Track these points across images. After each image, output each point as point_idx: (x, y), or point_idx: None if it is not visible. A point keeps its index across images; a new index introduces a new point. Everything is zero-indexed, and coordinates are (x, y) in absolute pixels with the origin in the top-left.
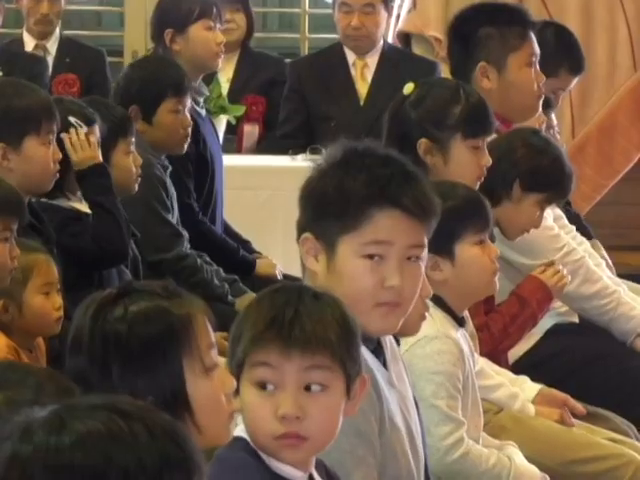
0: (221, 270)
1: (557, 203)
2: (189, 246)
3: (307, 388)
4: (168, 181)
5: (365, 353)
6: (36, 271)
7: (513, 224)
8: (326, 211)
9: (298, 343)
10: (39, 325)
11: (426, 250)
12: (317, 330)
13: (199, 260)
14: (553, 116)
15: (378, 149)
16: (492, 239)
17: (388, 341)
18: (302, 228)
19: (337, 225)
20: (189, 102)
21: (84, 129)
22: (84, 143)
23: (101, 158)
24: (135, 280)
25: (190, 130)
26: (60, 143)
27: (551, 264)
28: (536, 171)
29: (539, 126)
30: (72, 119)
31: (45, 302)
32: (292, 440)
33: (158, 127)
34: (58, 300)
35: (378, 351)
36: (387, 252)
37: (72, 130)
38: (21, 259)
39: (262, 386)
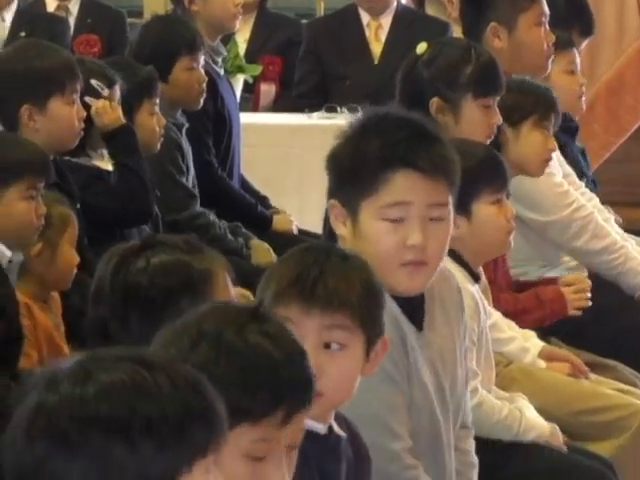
0: (225, 222)
1: (555, 118)
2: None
3: (326, 346)
4: (183, 141)
5: (398, 314)
6: (71, 223)
7: (528, 160)
8: (346, 178)
9: (319, 302)
10: (63, 276)
11: (451, 209)
12: (339, 290)
13: (211, 217)
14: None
15: (398, 113)
16: (508, 196)
17: (437, 299)
18: (330, 195)
19: (356, 190)
20: (202, 59)
21: (105, 91)
22: (107, 107)
23: (124, 119)
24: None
25: (205, 85)
26: (82, 102)
27: (581, 280)
28: (519, 106)
29: (579, 87)
30: (93, 82)
31: (74, 255)
32: None
33: (174, 85)
34: (76, 259)
35: (417, 312)
36: (407, 213)
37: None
38: (58, 209)
39: None
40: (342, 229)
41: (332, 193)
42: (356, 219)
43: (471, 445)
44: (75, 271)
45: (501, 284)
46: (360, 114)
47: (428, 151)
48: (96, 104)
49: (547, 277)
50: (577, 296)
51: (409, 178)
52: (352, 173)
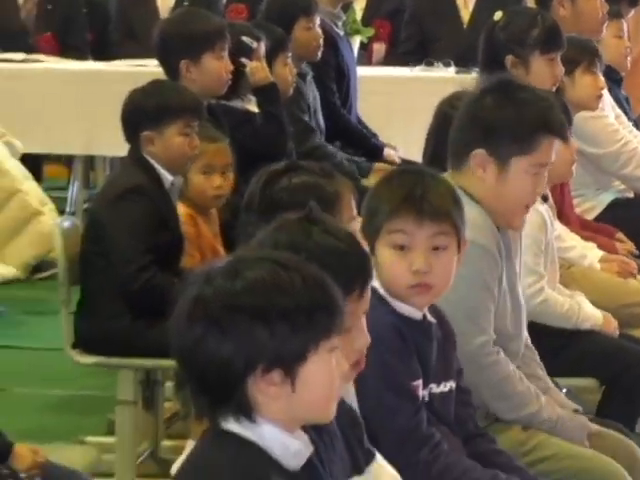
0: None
1: (600, 62)
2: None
3: (434, 249)
4: (304, 87)
5: (492, 226)
6: (201, 155)
7: (584, 99)
8: (502, 135)
9: (428, 215)
10: (198, 198)
11: None
12: (441, 204)
13: (330, 148)
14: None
15: (520, 82)
16: (571, 134)
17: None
18: (469, 144)
19: (512, 147)
20: (318, 20)
21: (254, 44)
22: (259, 67)
23: (271, 77)
24: None
25: (322, 41)
26: (234, 59)
27: (629, 246)
28: (570, 58)
29: (625, 49)
30: (244, 38)
31: (204, 181)
32: (422, 289)
33: (296, 42)
34: (217, 181)
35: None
36: (544, 170)
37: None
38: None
39: (399, 248)
40: (480, 173)
41: (474, 143)
42: (504, 168)
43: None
44: (214, 193)
45: (569, 215)
46: (484, 77)
47: (562, 120)
48: (250, 65)
49: (607, 225)
50: (626, 253)
51: (554, 145)
52: (511, 133)
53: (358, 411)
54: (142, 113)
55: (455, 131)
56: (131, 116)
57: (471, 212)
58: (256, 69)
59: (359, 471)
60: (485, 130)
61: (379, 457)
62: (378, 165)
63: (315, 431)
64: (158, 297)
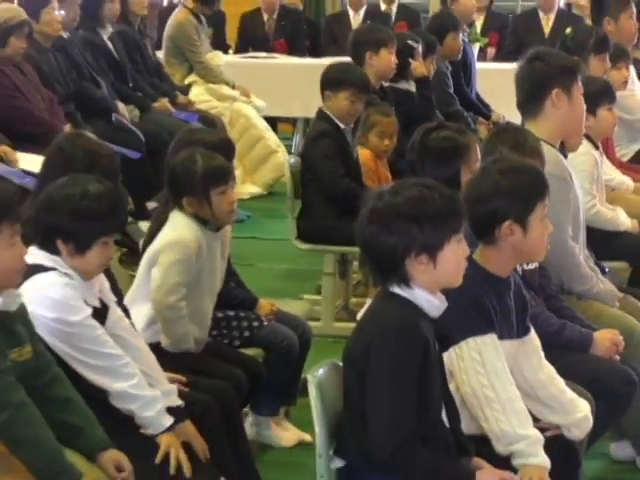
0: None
1: (626, 57)
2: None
3: None
4: (448, 72)
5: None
6: (378, 124)
7: (615, 85)
8: (566, 74)
9: (529, 154)
10: (375, 150)
11: None
12: (535, 145)
13: (464, 112)
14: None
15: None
16: None
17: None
18: (543, 90)
19: (573, 80)
20: (461, 36)
21: (415, 44)
22: (419, 66)
23: (425, 72)
24: None
25: (462, 48)
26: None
27: None
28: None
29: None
30: (409, 41)
31: (378, 142)
32: None
33: (446, 47)
34: (387, 142)
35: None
36: None
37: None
38: (373, 116)
39: None
40: (558, 105)
41: (552, 86)
42: (570, 101)
43: None
44: (386, 148)
45: (612, 158)
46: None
47: None
48: (413, 63)
49: (636, 165)
50: None
51: None
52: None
53: None
54: (326, 81)
55: (526, 91)
56: (320, 83)
57: (549, 152)
58: (417, 66)
59: (518, 337)
60: (551, 76)
61: (533, 332)
62: (480, 120)
63: (499, 304)
64: (354, 197)
